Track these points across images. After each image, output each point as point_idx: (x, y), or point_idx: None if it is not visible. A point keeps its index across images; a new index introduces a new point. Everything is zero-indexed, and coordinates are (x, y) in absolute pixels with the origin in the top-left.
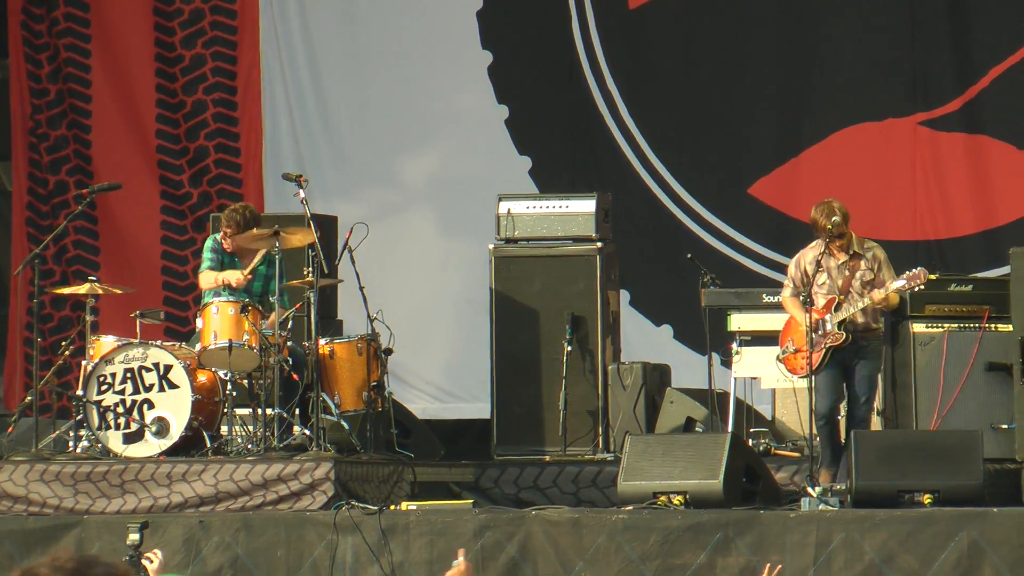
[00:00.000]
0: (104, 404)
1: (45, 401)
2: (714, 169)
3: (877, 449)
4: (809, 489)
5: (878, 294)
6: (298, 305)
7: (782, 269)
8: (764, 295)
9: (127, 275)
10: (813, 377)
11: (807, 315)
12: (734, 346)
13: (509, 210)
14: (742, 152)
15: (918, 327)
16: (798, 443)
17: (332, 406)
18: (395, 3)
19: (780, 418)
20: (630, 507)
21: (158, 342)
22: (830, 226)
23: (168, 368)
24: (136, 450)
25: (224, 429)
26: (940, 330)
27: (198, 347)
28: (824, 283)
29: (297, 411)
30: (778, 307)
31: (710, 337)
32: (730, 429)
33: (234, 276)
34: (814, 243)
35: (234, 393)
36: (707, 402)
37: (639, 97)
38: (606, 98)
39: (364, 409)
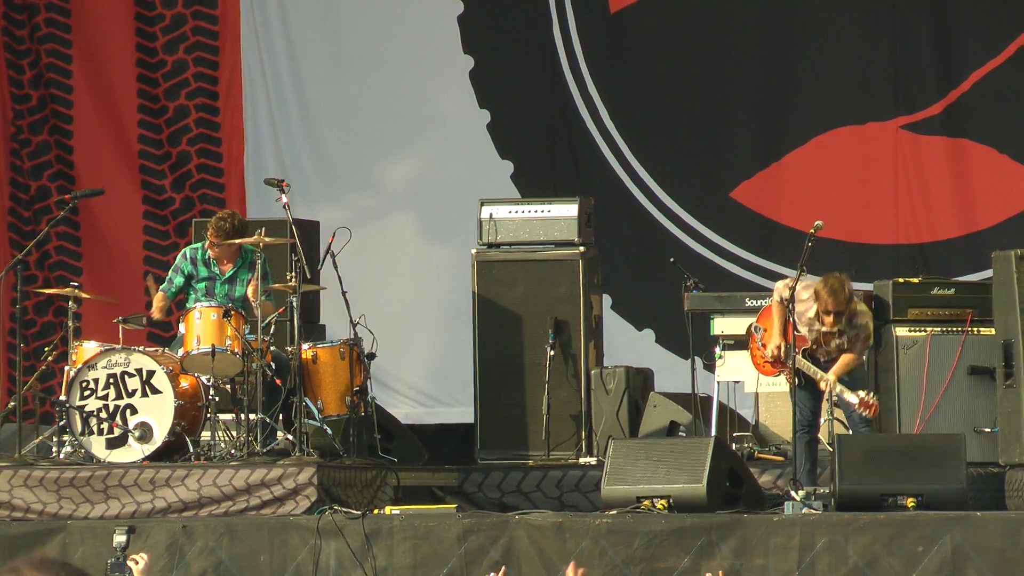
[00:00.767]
0: (87, 409)
1: (28, 407)
2: (696, 173)
3: (861, 453)
4: (793, 493)
5: (827, 385)
6: (281, 310)
7: (764, 273)
8: (747, 299)
9: (109, 280)
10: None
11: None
12: (717, 350)
13: (491, 215)
14: (724, 156)
15: (901, 331)
16: (781, 447)
17: (315, 411)
18: (376, 8)
19: (763, 422)
20: (614, 511)
21: (141, 347)
22: (832, 307)
23: (151, 373)
24: (119, 455)
25: (207, 434)
26: (923, 334)
27: (181, 352)
28: (803, 329)
29: (280, 416)
30: (761, 311)
31: (693, 341)
32: (713, 433)
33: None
34: (809, 294)
35: (217, 398)
36: (690, 406)
37: (620, 101)
38: (587, 102)
39: (347, 414)
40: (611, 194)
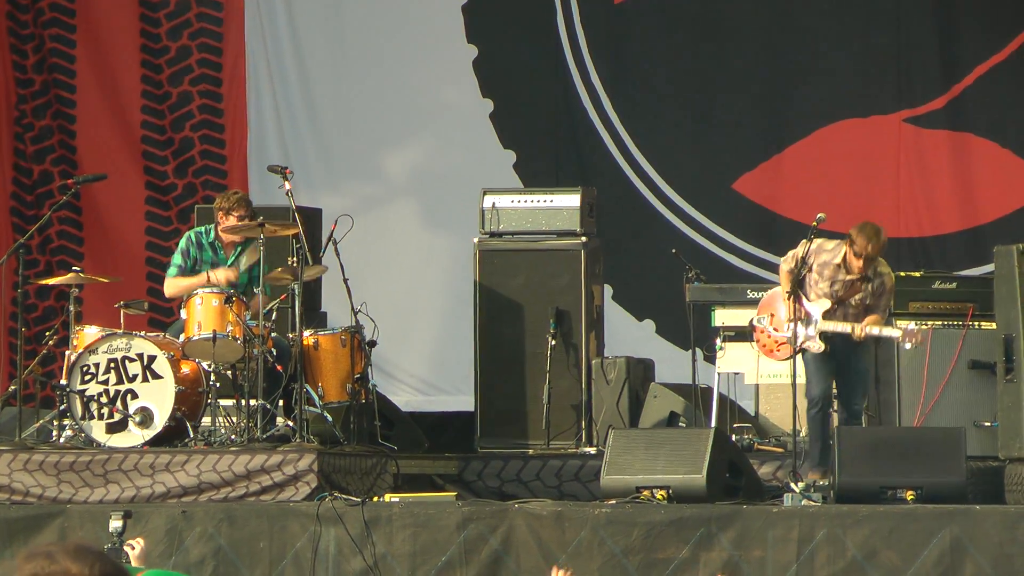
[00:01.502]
0: (88, 394)
1: (29, 391)
2: (698, 164)
3: (861, 445)
4: (792, 484)
5: (861, 329)
6: (282, 296)
7: (766, 265)
8: (748, 291)
9: (111, 265)
10: (803, 362)
11: (794, 306)
12: (718, 341)
13: (494, 204)
14: (726, 147)
15: (902, 324)
16: (781, 439)
17: (315, 398)
18: None
19: (764, 414)
20: (613, 501)
21: (142, 332)
22: (867, 251)
23: (152, 359)
24: (119, 440)
25: (207, 420)
26: (924, 327)
27: (182, 338)
28: (824, 286)
29: (280, 402)
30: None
31: (693, 332)
32: (713, 424)
33: (224, 274)
34: (834, 244)
35: (217, 384)
36: (690, 397)
37: (623, 92)
38: (590, 93)
39: (348, 401)
40: (613, 184)
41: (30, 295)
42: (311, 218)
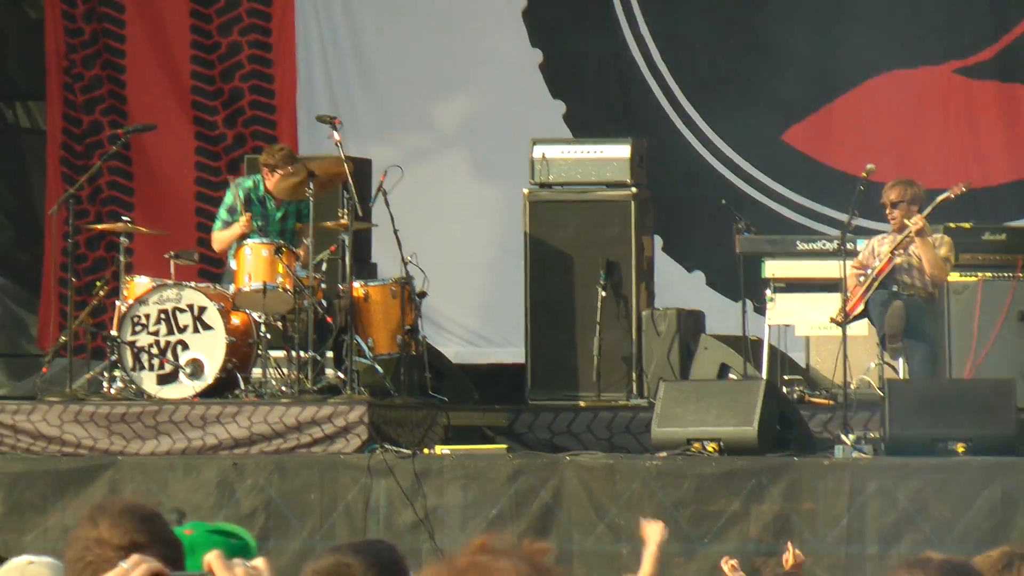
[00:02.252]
0: (138, 345)
1: (79, 342)
2: (748, 116)
3: (911, 398)
4: (843, 437)
5: (914, 223)
6: (332, 248)
7: (816, 216)
8: (798, 242)
9: (161, 216)
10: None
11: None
12: (768, 293)
13: (543, 154)
14: (776, 99)
15: (952, 276)
16: (832, 391)
17: (366, 349)
18: None
19: (814, 365)
20: (664, 453)
21: (192, 283)
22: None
23: (202, 309)
24: (170, 391)
25: (258, 371)
26: (974, 279)
27: (232, 288)
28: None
29: (331, 354)
30: (812, 255)
31: (744, 284)
32: (764, 376)
33: (238, 226)
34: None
35: (268, 335)
36: (741, 349)
37: (672, 42)
38: (639, 43)
39: (398, 353)
40: (663, 135)
41: (80, 245)
42: (360, 168)
